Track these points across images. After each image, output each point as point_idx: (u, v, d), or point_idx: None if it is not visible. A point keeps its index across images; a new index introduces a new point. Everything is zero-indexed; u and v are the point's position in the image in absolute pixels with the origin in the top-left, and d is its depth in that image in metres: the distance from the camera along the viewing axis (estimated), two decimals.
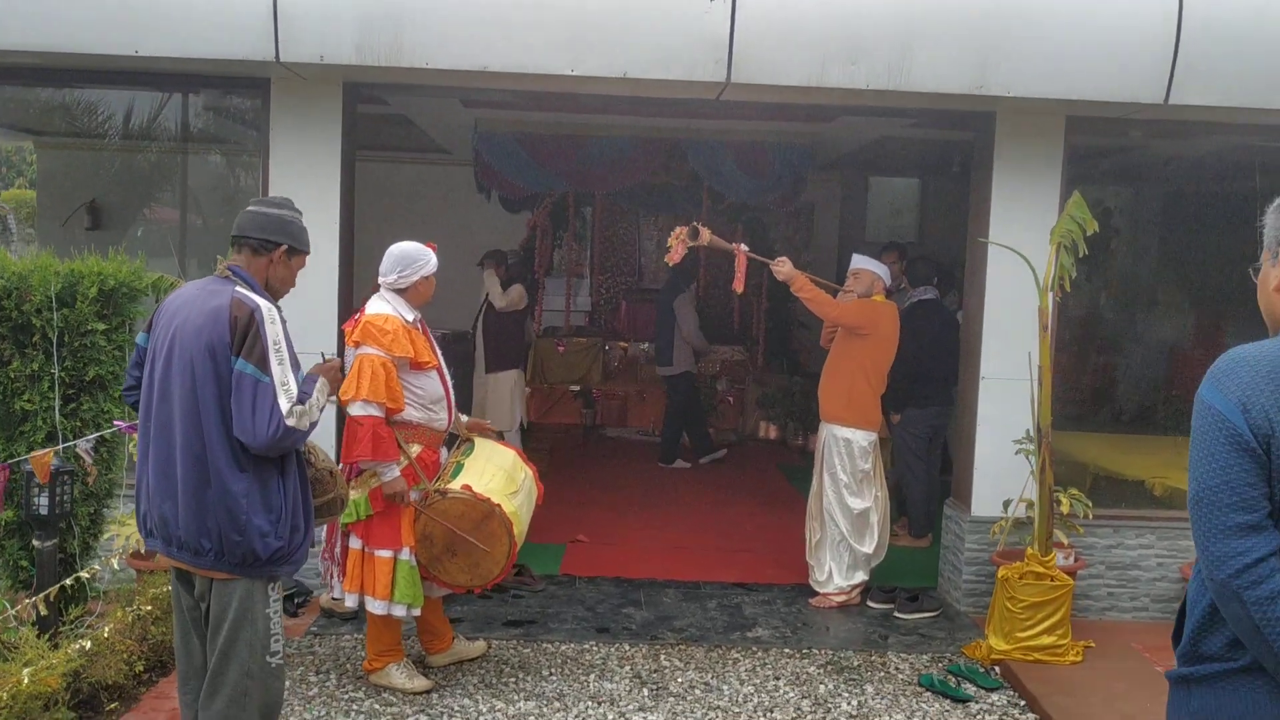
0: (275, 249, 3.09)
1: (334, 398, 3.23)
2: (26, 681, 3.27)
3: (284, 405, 2.85)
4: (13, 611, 3.60)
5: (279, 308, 3.04)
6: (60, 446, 3.87)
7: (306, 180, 5.32)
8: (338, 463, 4.37)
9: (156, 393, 2.97)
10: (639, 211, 12.14)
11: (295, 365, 2.97)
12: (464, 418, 4.62)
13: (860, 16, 4.78)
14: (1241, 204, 6.19)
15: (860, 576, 5.65)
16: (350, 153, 5.49)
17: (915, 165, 9.70)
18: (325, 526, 4.31)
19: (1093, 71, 4.87)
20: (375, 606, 4.19)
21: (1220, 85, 4.94)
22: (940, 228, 10.05)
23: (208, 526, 2.90)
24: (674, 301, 8.80)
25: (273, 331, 2.91)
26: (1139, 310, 7.64)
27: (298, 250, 3.16)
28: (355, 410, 4.01)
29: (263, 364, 2.86)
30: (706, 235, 5.40)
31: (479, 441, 4.57)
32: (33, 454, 3.62)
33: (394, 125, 8.78)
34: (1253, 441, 1.75)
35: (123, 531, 4.71)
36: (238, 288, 2.98)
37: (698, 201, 10.81)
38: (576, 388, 10.86)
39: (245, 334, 2.87)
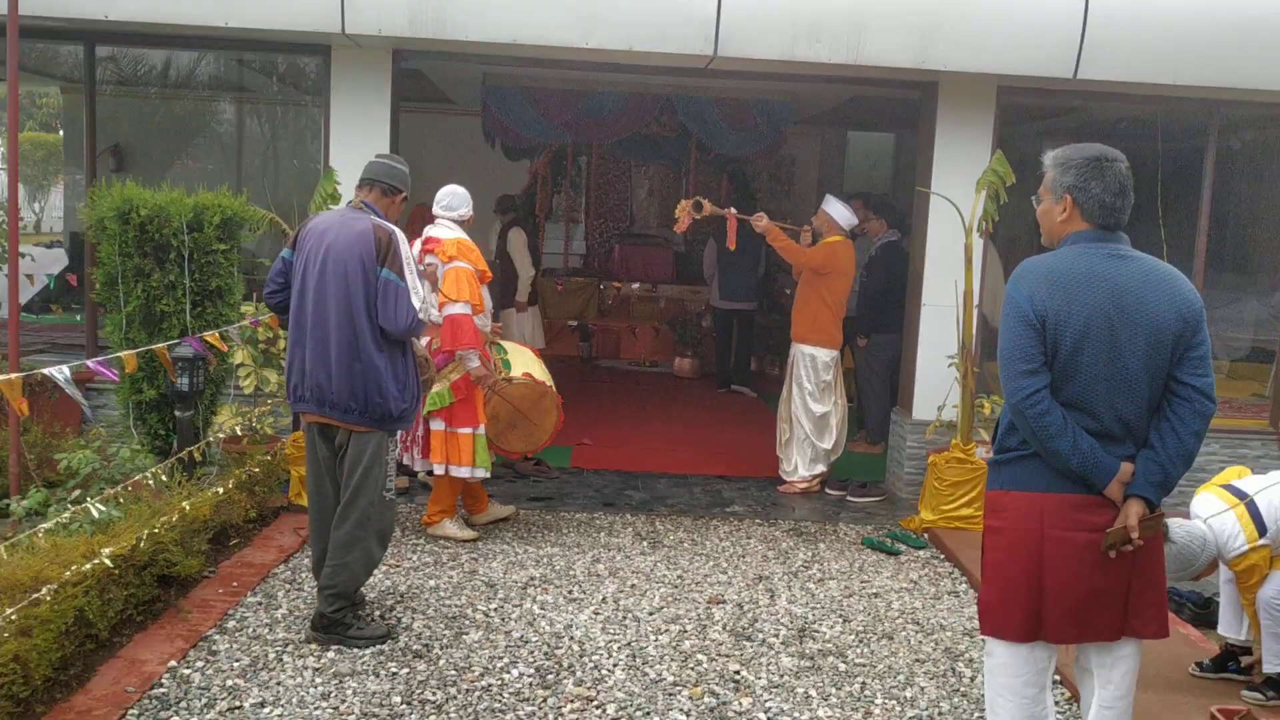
0: (397, 194, 4.17)
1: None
2: (188, 507, 4.36)
3: (416, 304, 3.95)
4: (165, 464, 4.69)
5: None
6: (228, 329, 5.01)
7: (361, 133, 6.36)
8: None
9: (312, 295, 3.95)
10: (631, 161, 13.15)
11: (420, 276, 4.06)
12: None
13: (822, 1, 5.82)
14: (1172, 161, 7.16)
15: (820, 468, 6.81)
16: (396, 110, 6.52)
17: (890, 121, 10.67)
18: None
19: (1014, 49, 5.92)
20: (460, 472, 5.31)
21: (1123, 63, 6.00)
22: (912, 179, 11.02)
23: (354, 390, 3.94)
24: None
25: (405, 251, 4.01)
26: None
27: (406, 199, 4.28)
28: (457, 309, 5.07)
29: (401, 273, 3.94)
30: (708, 206, 6.58)
31: (504, 343, 5.69)
32: (206, 333, 4.76)
33: (403, 77, 9.68)
34: (1034, 320, 2.83)
35: (215, 420, 5.81)
36: (373, 217, 4.03)
37: (687, 152, 11.79)
38: (574, 323, 11.94)
39: (387, 250, 3.93)
